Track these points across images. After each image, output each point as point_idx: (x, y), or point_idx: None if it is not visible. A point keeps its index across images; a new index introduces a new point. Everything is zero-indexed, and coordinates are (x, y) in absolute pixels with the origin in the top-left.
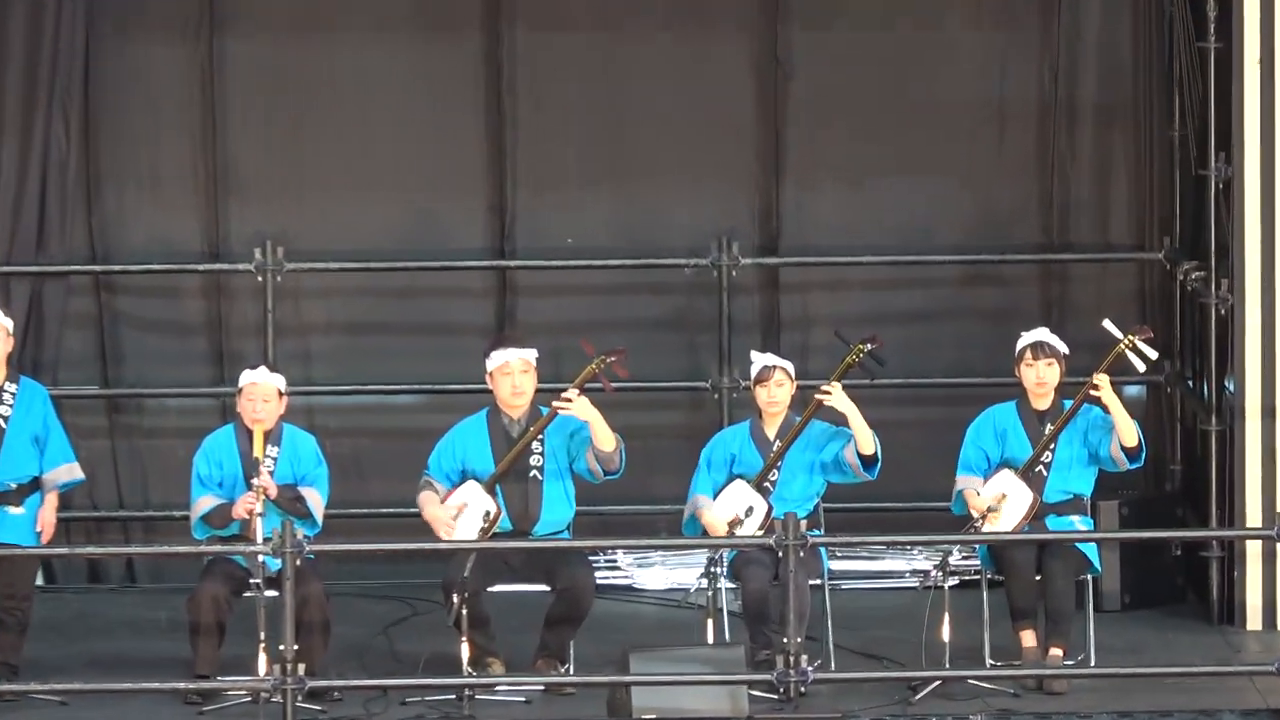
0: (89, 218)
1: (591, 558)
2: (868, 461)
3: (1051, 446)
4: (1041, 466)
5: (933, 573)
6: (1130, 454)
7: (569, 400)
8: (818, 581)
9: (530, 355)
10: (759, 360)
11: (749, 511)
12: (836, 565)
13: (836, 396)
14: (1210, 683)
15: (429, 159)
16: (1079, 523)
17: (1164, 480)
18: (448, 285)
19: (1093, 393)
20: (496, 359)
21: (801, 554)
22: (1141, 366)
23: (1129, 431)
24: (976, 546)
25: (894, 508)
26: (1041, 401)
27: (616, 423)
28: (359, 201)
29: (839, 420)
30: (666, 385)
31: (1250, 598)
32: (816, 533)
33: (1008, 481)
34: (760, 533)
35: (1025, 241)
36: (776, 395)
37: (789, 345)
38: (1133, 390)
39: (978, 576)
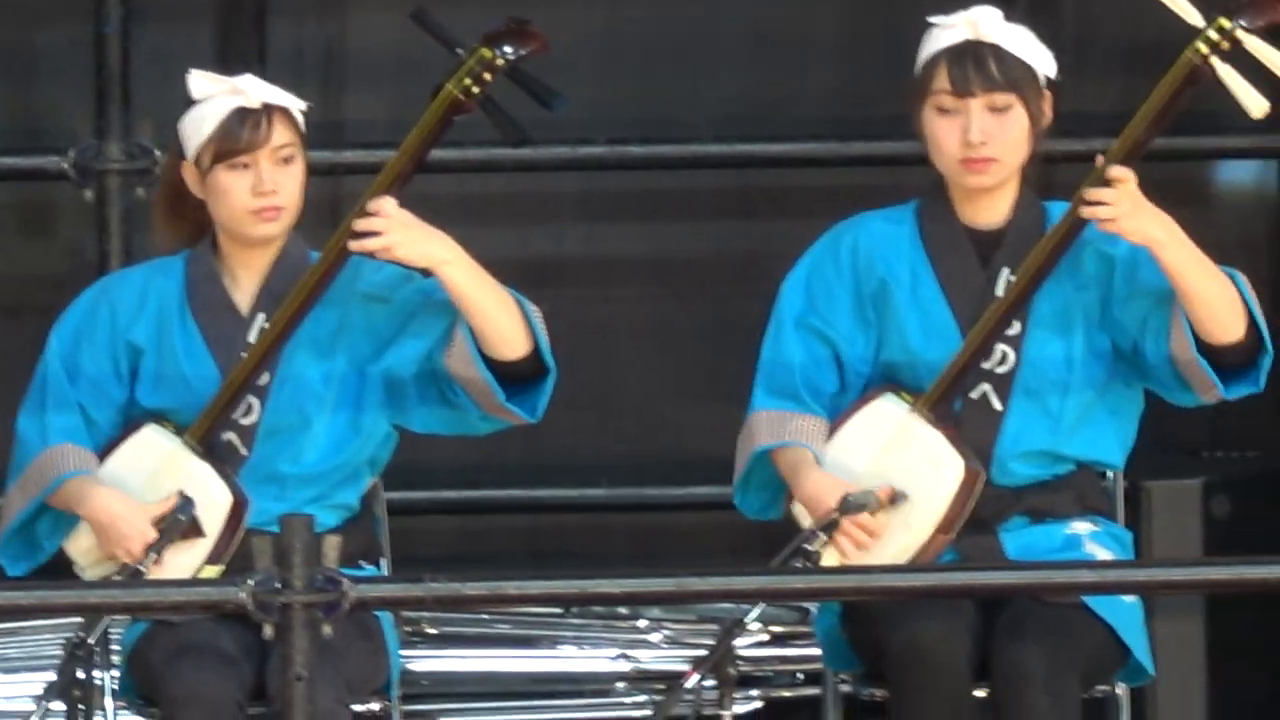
0: None
1: None
2: (515, 377)
3: (1017, 327)
4: (988, 388)
5: (688, 678)
6: (1225, 357)
7: None
8: (376, 707)
9: None
10: (214, 98)
11: (181, 512)
12: (431, 663)
13: (391, 214)
14: None
15: None
16: (1091, 542)
17: None
18: None
19: (1108, 187)
20: None
21: (327, 629)
22: (1258, 108)
23: (1215, 294)
24: (814, 608)
25: (583, 502)
26: (985, 205)
27: None
28: None
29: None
30: None
31: None
32: (370, 570)
33: (896, 423)
34: (212, 569)
35: None
36: (266, 182)
37: (287, 53)
38: (1237, 175)
39: (816, 691)
